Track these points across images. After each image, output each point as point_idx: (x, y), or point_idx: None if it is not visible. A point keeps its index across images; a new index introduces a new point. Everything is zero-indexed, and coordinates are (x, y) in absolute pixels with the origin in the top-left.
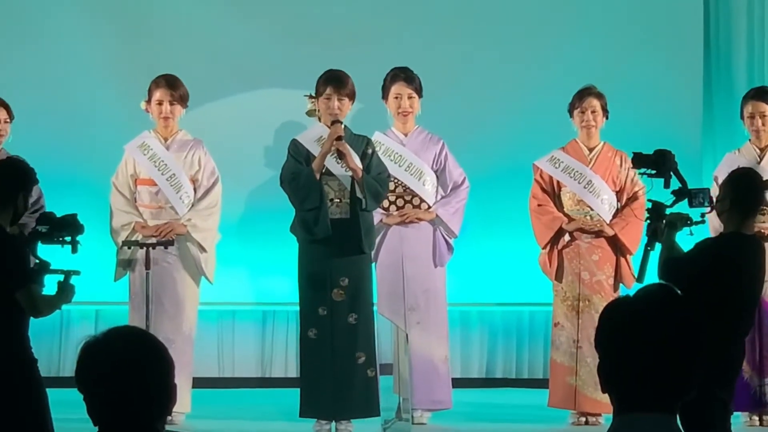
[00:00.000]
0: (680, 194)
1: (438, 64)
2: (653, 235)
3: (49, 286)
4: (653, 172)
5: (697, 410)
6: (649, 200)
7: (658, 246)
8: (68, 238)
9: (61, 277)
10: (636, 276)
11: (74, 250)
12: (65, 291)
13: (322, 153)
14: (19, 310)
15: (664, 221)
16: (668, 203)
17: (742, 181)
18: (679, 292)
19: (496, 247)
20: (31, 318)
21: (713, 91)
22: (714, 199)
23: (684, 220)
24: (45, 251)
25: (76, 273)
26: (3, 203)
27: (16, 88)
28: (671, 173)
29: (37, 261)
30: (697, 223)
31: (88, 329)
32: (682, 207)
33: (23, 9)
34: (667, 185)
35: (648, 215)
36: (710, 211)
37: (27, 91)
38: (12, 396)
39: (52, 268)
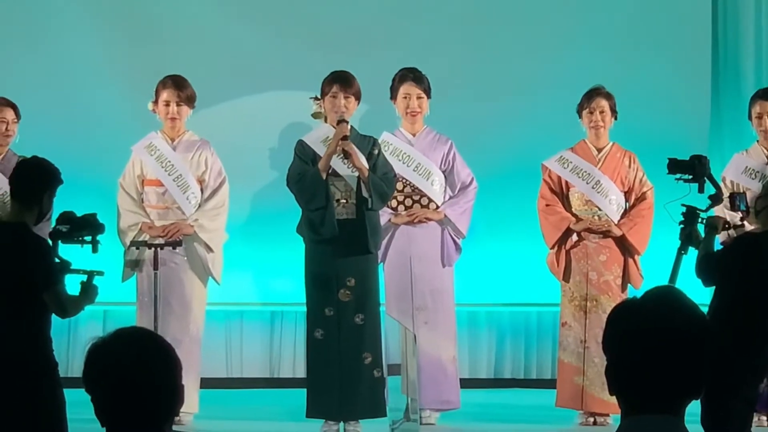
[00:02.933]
0: (716, 199)
1: (446, 65)
2: (687, 239)
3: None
4: (689, 177)
5: (720, 407)
6: (683, 205)
7: (691, 250)
8: (88, 238)
9: (77, 277)
10: (669, 278)
11: (95, 249)
12: (89, 291)
13: (327, 153)
14: (42, 311)
15: (699, 225)
16: (703, 208)
17: None
18: (683, 289)
19: (504, 248)
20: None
21: (721, 92)
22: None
23: (723, 224)
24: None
25: (100, 273)
26: (28, 202)
27: (24, 89)
28: (705, 178)
29: (58, 260)
30: (736, 227)
31: (96, 330)
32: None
33: (31, 11)
34: (701, 190)
35: (682, 219)
36: (747, 215)
37: (34, 92)
38: (30, 397)
39: (72, 267)
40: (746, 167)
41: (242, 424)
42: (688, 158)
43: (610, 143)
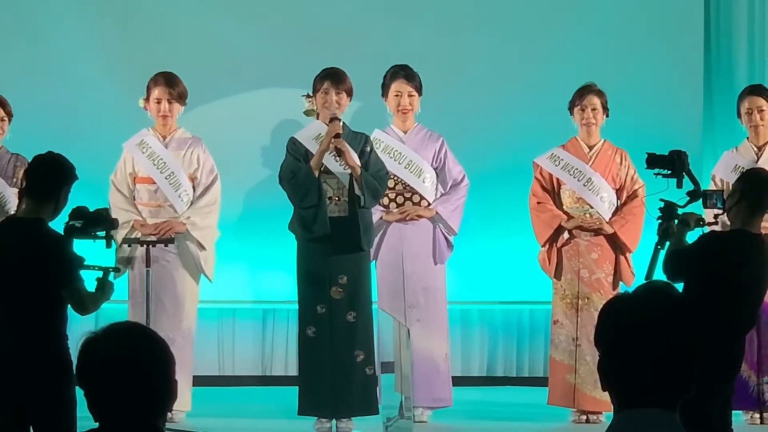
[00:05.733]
0: (694, 195)
1: (437, 62)
2: (664, 234)
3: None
4: (667, 172)
5: (697, 407)
6: (661, 200)
7: (668, 245)
8: (101, 233)
9: (91, 273)
10: (645, 274)
11: (108, 244)
12: (105, 288)
13: (320, 150)
14: (60, 308)
15: (676, 221)
16: (681, 203)
17: (753, 179)
18: (676, 285)
19: (496, 245)
20: None
21: (713, 90)
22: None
23: (697, 221)
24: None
25: (116, 270)
26: (45, 198)
27: (14, 86)
28: (684, 174)
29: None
30: (710, 224)
31: (88, 328)
32: (694, 208)
33: (22, 6)
34: (679, 185)
35: (660, 214)
36: (723, 213)
37: (25, 88)
38: (48, 395)
39: (85, 264)
40: (736, 165)
41: (234, 422)
42: (667, 153)
43: (602, 141)
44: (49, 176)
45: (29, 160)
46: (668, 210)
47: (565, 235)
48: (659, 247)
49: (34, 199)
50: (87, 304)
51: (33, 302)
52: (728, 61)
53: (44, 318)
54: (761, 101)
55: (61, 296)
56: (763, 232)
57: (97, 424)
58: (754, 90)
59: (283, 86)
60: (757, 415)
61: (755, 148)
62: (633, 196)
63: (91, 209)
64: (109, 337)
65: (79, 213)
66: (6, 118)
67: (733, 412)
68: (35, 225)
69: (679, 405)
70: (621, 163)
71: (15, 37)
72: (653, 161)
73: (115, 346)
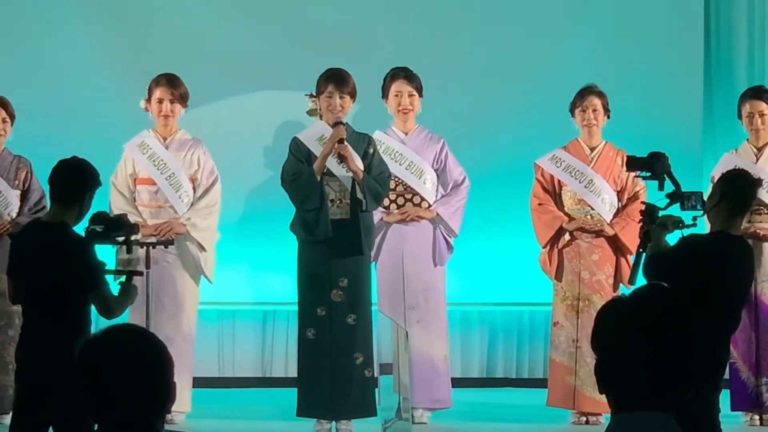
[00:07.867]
0: (674, 197)
1: (438, 64)
2: (646, 237)
3: None
4: (647, 174)
5: (683, 412)
6: (642, 202)
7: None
8: (121, 238)
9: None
10: (629, 277)
11: (129, 249)
12: (129, 291)
13: (323, 154)
14: (84, 311)
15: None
16: (662, 206)
17: (733, 180)
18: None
19: (496, 247)
20: None
21: (714, 91)
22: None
23: (676, 223)
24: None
25: (139, 273)
26: (70, 202)
27: (15, 87)
28: (665, 176)
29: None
30: (688, 226)
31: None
32: (676, 210)
33: (22, 7)
34: (661, 187)
35: (642, 217)
36: (703, 215)
37: (26, 89)
38: (71, 397)
39: (106, 268)
40: (735, 167)
41: (234, 423)
42: (646, 155)
43: (603, 142)
44: (73, 181)
45: (31, 162)
46: (650, 213)
47: (566, 236)
48: (641, 250)
49: (58, 203)
50: (114, 307)
51: (58, 305)
52: (728, 62)
53: (68, 320)
54: (763, 105)
55: (84, 299)
56: (761, 232)
57: (95, 426)
58: (756, 94)
59: (284, 88)
60: (757, 417)
61: (755, 150)
62: (634, 197)
63: (91, 210)
64: (108, 338)
65: (99, 218)
66: (8, 120)
67: (733, 413)
68: (59, 229)
69: (676, 407)
70: (622, 165)
71: (15, 39)
72: (632, 164)
73: (113, 348)
